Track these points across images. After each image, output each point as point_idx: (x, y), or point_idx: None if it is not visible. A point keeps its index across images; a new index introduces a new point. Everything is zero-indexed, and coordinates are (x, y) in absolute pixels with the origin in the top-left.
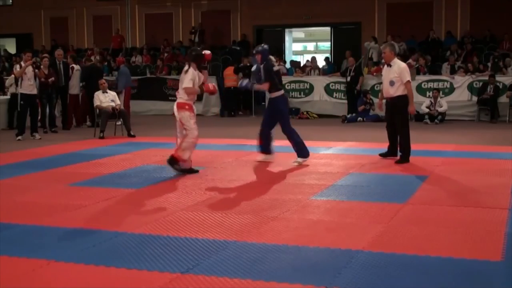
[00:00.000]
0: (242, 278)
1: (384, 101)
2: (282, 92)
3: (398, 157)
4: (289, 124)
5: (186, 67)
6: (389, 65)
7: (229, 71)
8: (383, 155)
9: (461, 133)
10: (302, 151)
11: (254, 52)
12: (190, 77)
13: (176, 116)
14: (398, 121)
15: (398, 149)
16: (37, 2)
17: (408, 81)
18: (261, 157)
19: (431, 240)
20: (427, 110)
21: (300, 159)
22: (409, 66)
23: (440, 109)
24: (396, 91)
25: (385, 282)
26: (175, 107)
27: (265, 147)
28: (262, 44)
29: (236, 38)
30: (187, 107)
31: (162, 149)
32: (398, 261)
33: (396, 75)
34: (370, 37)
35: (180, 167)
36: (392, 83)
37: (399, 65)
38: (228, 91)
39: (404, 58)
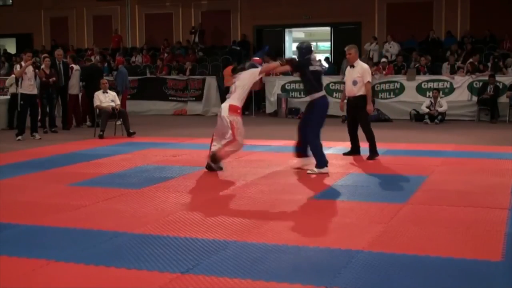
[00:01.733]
0: (242, 278)
1: (345, 101)
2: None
3: (367, 155)
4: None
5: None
6: (353, 66)
7: (228, 71)
8: (346, 154)
9: (461, 133)
10: (321, 162)
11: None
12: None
13: (226, 117)
14: (360, 119)
15: (369, 147)
16: (37, 2)
17: (368, 81)
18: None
19: (431, 240)
20: (427, 110)
21: (316, 169)
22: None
23: (440, 109)
24: (358, 90)
25: (385, 282)
26: (226, 107)
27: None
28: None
29: (236, 38)
30: (239, 111)
31: (162, 149)
32: (398, 261)
33: (359, 75)
34: (370, 37)
35: (219, 165)
36: (355, 82)
37: (362, 65)
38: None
39: (403, 58)
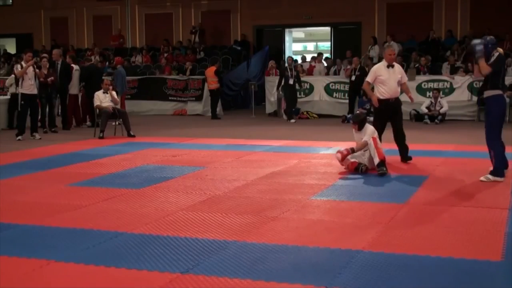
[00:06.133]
0: (242, 278)
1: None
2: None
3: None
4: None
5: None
6: (392, 66)
7: (209, 72)
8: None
9: (461, 133)
10: (498, 170)
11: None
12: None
13: None
14: (400, 120)
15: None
16: (37, 2)
17: (406, 81)
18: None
19: (431, 240)
20: (427, 110)
21: (491, 177)
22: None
23: (441, 110)
24: (399, 91)
25: (385, 282)
26: None
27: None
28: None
29: (236, 38)
30: None
31: (162, 149)
32: (398, 261)
33: (400, 76)
34: (370, 37)
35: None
36: (398, 83)
37: (398, 65)
38: (211, 93)
39: (402, 58)
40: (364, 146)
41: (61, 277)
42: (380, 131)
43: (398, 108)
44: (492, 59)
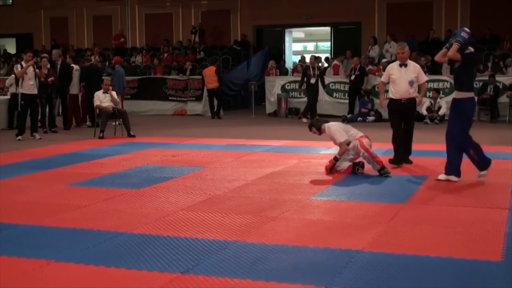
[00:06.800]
0: (242, 278)
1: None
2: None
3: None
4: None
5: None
6: (405, 65)
7: (209, 71)
8: (394, 162)
9: None
10: (485, 163)
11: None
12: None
13: None
14: (412, 121)
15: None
16: (37, 2)
17: (425, 81)
18: (443, 176)
19: (431, 240)
20: (426, 112)
21: (483, 172)
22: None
23: (440, 112)
24: (414, 91)
25: (385, 282)
26: None
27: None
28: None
29: (236, 38)
30: None
31: (162, 149)
32: (398, 261)
33: (415, 75)
34: (370, 37)
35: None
36: (411, 83)
37: (415, 65)
38: (210, 92)
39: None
40: (345, 149)
41: (61, 277)
42: (396, 131)
43: (410, 109)
44: (466, 51)
